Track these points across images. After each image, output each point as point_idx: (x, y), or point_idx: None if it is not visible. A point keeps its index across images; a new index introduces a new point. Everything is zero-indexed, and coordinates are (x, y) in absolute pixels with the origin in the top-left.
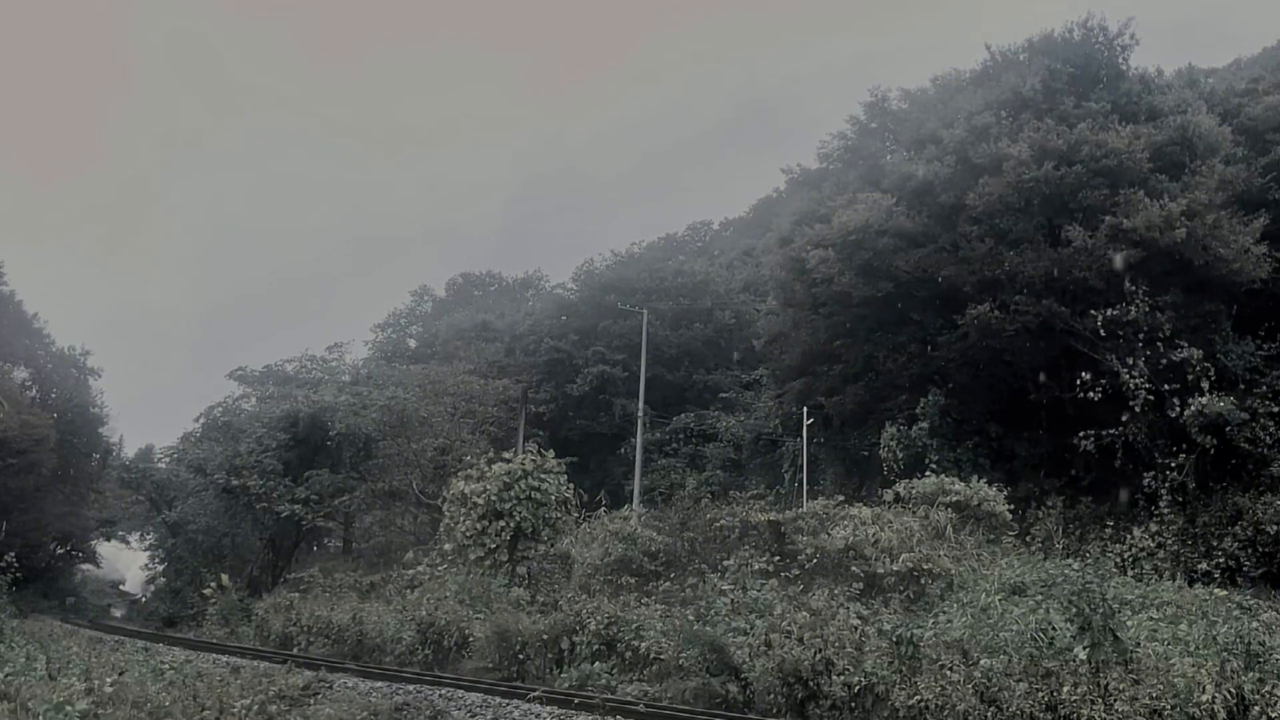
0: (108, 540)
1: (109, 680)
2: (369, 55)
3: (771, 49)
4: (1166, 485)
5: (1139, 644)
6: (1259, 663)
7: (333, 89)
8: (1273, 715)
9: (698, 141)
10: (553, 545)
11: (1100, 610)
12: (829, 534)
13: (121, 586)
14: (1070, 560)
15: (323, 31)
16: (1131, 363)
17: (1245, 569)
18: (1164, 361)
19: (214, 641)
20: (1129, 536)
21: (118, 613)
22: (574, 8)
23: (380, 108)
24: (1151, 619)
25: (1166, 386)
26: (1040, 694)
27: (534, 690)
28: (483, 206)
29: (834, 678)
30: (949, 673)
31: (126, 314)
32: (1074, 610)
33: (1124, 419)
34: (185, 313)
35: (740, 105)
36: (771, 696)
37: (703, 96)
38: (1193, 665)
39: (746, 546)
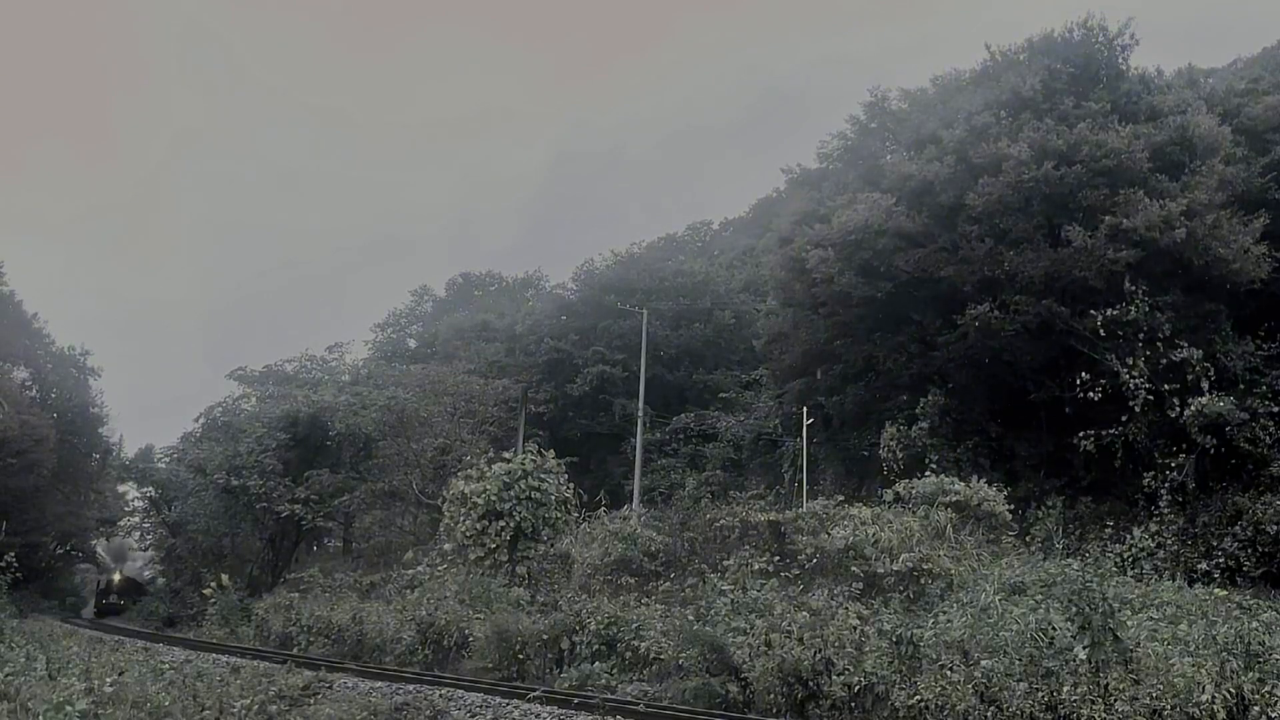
0: (108, 540)
1: (109, 680)
2: (383, 51)
3: (796, 38)
4: (1166, 485)
5: (1139, 644)
6: (1259, 663)
7: (345, 86)
8: (1273, 715)
9: (725, 132)
10: (553, 545)
11: (1100, 610)
12: (829, 534)
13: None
14: (1070, 560)
15: (334, 28)
16: (1131, 363)
17: (1245, 569)
18: (1164, 361)
19: (214, 641)
20: (1129, 536)
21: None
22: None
23: (394, 105)
24: (1151, 619)
25: (1166, 386)
26: (1040, 694)
27: (534, 690)
28: (498, 204)
29: (834, 678)
30: (949, 673)
31: (133, 313)
32: (1074, 610)
33: (1124, 419)
34: (194, 311)
35: (767, 97)
36: (771, 696)
37: (728, 88)
38: (1193, 665)
39: (746, 546)
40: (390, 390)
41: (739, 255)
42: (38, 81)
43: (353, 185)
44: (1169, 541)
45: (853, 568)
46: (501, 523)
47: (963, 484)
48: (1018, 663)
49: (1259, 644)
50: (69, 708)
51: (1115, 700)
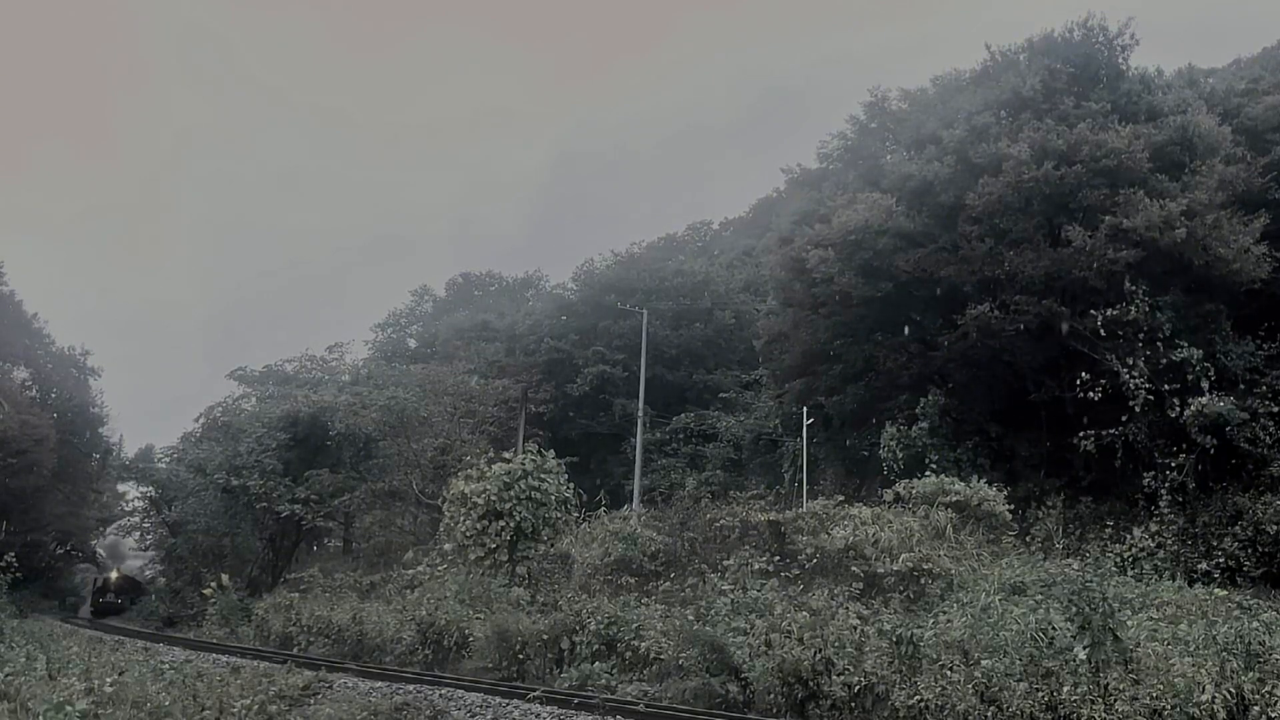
0: (104, 538)
1: (109, 680)
2: (383, 51)
3: (797, 38)
4: (1166, 485)
5: (1139, 644)
6: (1259, 663)
7: (345, 86)
8: (1273, 715)
9: (726, 132)
10: (553, 545)
11: (1100, 610)
12: (829, 534)
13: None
14: (1070, 560)
15: (334, 28)
16: (1131, 363)
17: (1245, 569)
18: (1164, 361)
19: (214, 641)
20: (1129, 536)
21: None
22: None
23: (394, 105)
24: (1151, 619)
25: (1166, 386)
26: (1040, 694)
27: (534, 690)
28: (499, 204)
29: (834, 678)
30: (949, 673)
31: (133, 313)
32: (1074, 610)
33: (1124, 419)
34: (194, 311)
35: (767, 97)
36: (771, 696)
37: (728, 88)
38: (1193, 665)
39: (746, 546)
40: (390, 390)
41: (739, 255)
42: (38, 81)
43: (353, 185)
44: (1169, 541)
45: (853, 568)
46: (501, 523)
47: (963, 484)
48: (1018, 663)
49: (1259, 644)
50: (69, 708)
51: (1115, 700)
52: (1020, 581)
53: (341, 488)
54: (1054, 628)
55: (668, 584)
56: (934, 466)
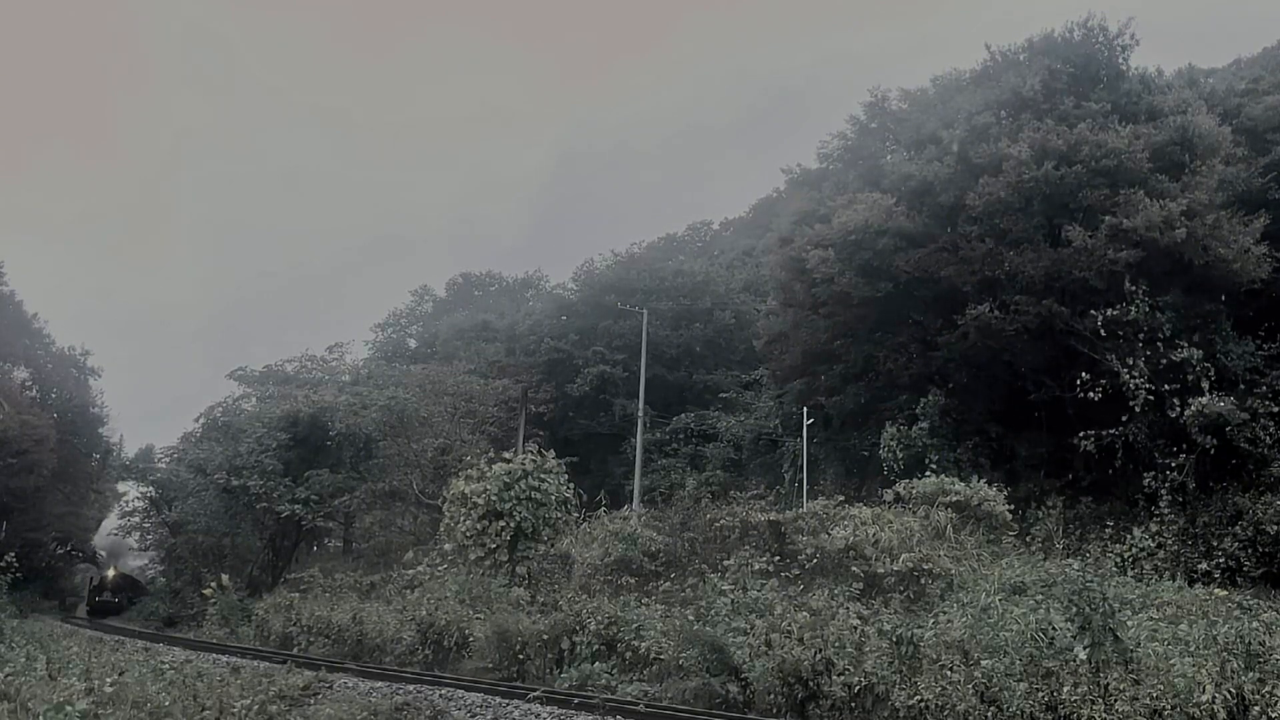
0: (104, 536)
1: (109, 680)
2: (383, 52)
3: (797, 38)
4: (1166, 485)
5: (1139, 644)
6: (1259, 663)
7: (345, 86)
8: (1273, 715)
9: (726, 132)
10: (553, 545)
11: (1100, 610)
12: (829, 534)
13: None
14: (1070, 560)
15: (335, 28)
16: (1131, 363)
17: (1245, 569)
18: (1164, 361)
19: (214, 641)
20: (1129, 536)
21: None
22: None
23: (395, 105)
24: (1151, 619)
25: (1166, 386)
26: (1040, 694)
27: (534, 690)
28: (501, 204)
29: (834, 678)
30: (949, 673)
31: (134, 313)
32: (1074, 610)
33: (1124, 419)
34: (194, 311)
35: (767, 97)
36: (771, 696)
37: (728, 88)
38: (1193, 665)
39: (746, 546)
40: (390, 390)
41: (739, 255)
42: (39, 82)
43: (353, 185)
44: (1169, 541)
45: (853, 568)
46: (501, 523)
47: (963, 484)
48: (1018, 663)
49: (1259, 644)
50: (69, 708)
51: (1115, 700)
52: (1020, 581)
53: (341, 488)
54: (1054, 628)
55: (668, 584)
56: (934, 466)
